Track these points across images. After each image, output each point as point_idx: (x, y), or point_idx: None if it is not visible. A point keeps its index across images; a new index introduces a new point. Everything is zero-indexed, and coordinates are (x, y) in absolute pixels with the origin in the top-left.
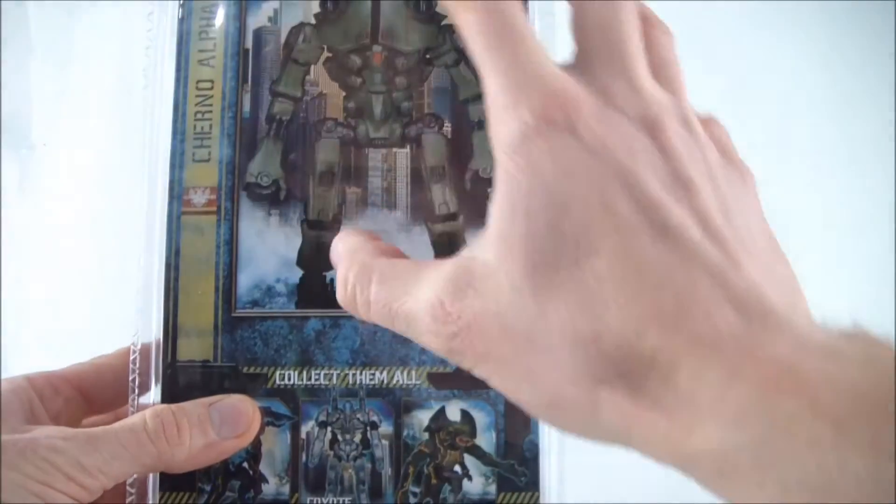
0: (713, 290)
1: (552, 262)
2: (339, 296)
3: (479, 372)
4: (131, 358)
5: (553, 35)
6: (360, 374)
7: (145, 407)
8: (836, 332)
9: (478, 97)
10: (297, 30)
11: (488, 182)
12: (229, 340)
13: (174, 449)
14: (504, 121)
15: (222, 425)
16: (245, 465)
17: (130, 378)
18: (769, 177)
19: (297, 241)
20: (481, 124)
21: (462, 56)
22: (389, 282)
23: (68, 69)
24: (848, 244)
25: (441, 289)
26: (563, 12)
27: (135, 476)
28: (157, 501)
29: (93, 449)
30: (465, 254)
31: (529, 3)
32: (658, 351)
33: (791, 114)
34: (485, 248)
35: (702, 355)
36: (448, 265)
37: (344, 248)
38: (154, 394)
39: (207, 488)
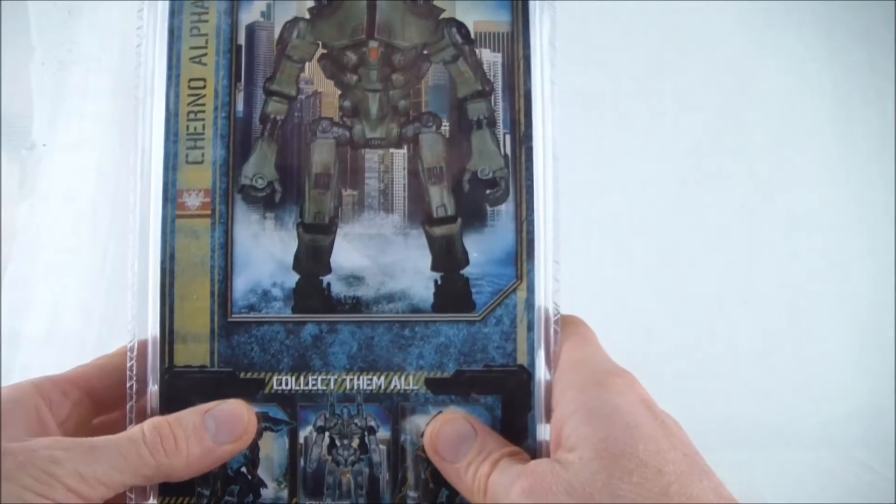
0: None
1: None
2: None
3: None
4: (128, 365)
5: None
6: (358, 379)
7: (143, 412)
8: None
9: (476, 95)
10: (290, 25)
11: (486, 184)
12: (226, 345)
13: (172, 460)
14: None
15: (218, 431)
16: (244, 469)
17: (128, 385)
18: (770, 177)
19: (294, 245)
20: (480, 123)
21: (460, 51)
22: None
23: (68, 69)
24: (848, 244)
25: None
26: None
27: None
28: None
29: (93, 460)
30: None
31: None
32: None
33: (791, 113)
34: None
35: None
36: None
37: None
38: (152, 397)
39: (206, 493)
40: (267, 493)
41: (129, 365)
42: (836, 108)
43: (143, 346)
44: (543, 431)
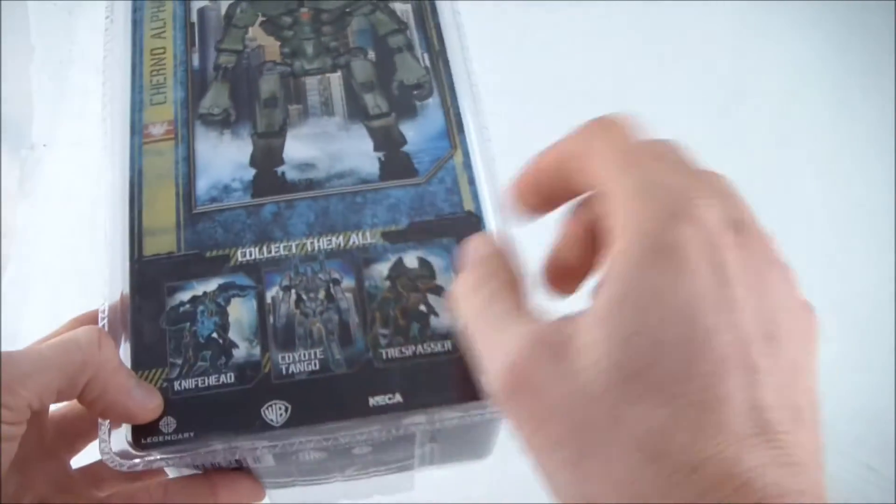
0: (765, 452)
1: (643, 371)
2: (456, 289)
3: (524, 436)
4: (100, 310)
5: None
6: (318, 241)
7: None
8: None
9: (394, 31)
10: (234, 5)
11: (413, 87)
12: (192, 232)
13: (104, 353)
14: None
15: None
16: (214, 335)
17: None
18: (769, 176)
19: (249, 150)
20: (400, 49)
21: (376, 6)
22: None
23: (68, 69)
24: (848, 244)
25: (530, 339)
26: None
27: None
28: None
29: (10, 363)
30: (565, 323)
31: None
32: (708, 490)
33: (791, 113)
34: (588, 328)
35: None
36: (545, 326)
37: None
38: (124, 346)
39: (179, 362)
40: (239, 352)
41: (100, 311)
42: (836, 108)
43: (113, 294)
44: None
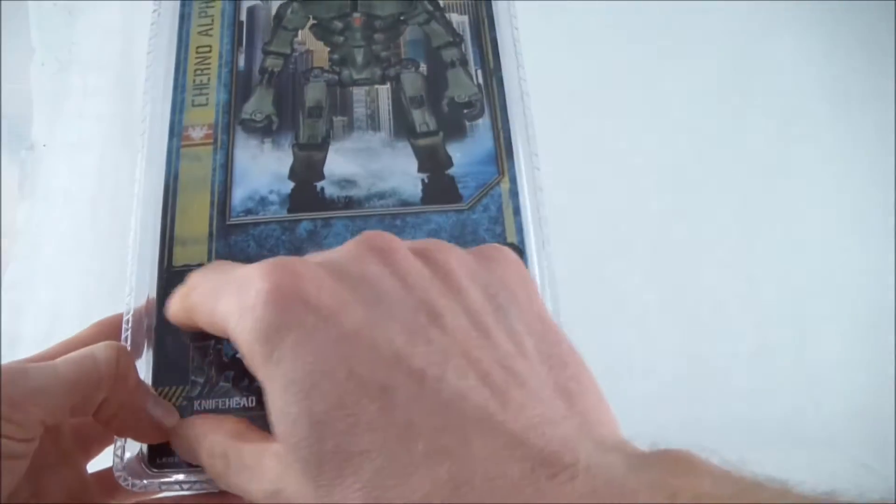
0: (488, 441)
1: (320, 454)
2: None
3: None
4: (124, 318)
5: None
6: None
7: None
8: (635, 461)
9: (448, 44)
10: (285, 6)
11: (463, 105)
12: (224, 245)
13: (122, 371)
14: (242, 319)
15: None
16: (238, 355)
17: (123, 338)
18: (769, 176)
19: (289, 161)
20: (453, 63)
21: (432, 16)
22: (241, 472)
23: (68, 69)
24: (848, 244)
25: (268, 483)
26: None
27: None
28: None
29: (23, 376)
30: (275, 447)
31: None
32: None
33: (791, 113)
34: (278, 442)
35: None
36: (270, 458)
37: (199, 431)
38: (146, 358)
39: (200, 381)
40: None
41: (125, 319)
42: (836, 108)
43: (139, 300)
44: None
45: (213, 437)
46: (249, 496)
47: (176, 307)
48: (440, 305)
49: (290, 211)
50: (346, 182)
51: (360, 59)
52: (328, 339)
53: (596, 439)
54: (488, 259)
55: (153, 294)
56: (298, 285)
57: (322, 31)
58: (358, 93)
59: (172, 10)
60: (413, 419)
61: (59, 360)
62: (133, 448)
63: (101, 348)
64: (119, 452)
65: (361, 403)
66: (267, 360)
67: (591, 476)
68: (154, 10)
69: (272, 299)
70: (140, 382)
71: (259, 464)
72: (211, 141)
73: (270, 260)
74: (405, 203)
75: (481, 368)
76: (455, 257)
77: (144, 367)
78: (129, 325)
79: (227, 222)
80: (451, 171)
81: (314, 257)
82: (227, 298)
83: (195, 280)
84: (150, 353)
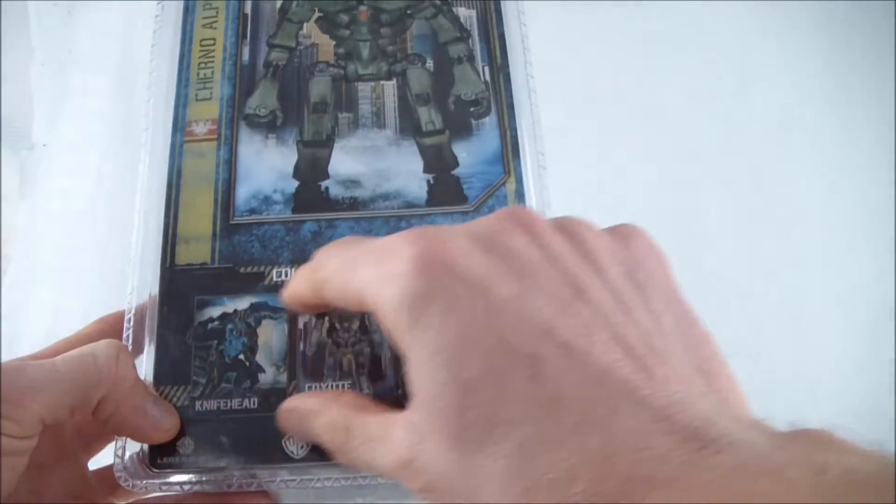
0: (635, 415)
1: (465, 420)
2: (336, 457)
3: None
4: (126, 317)
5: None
6: None
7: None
8: (777, 437)
9: (455, 39)
10: None
11: (470, 104)
12: (227, 244)
13: (121, 370)
14: (386, 287)
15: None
16: (241, 356)
17: (124, 336)
18: (769, 176)
19: (294, 158)
20: (460, 59)
21: (439, 10)
22: (366, 444)
23: (68, 69)
24: (848, 244)
25: (400, 452)
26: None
27: None
28: None
29: (21, 375)
30: (408, 416)
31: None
32: (593, 496)
33: (791, 113)
34: (416, 409)
35: (640, 496)
36: (402, 425)
37: (316, 404)
38: (148, 357)
39: (202, 381)
40: (265, 377)
41: (126, 318)
42: (836, 107)
43: (140, 296)
44: None
45: (334, 410)
46: (375, 467)
47: (299, 286)
48: (584, 280)
49: (294, 211)
50: (351, 182)
51: (365, 53)
52: (478, 308)
53: (735, 417)
54: (625, 237)
55: (155, 292)
56: (446, 254)
57: (328, 25)
58: (363, 89)
59: (177, 3)
60: (562, 390)
61: (58, 357)
62: (133, 448)
63: (101, 346)
64: (119, 452)
65: (511, 372)
66: (413, 326)
67: (736, 450)
68: (158, 4)
69: (420, 266)
70: (139, 381)
71: (387, 434)
72: (215, 136)
73: (414, 229)
74: (410, 204)
75: (626, 343)
76: (594, 234)
77: (146, 366)
78: (131, 323)
79: (231, 221)
80: (456, 172)
81: (457, 228)
82: (367, 268)
83: (322, 256)
84: (152, 352)
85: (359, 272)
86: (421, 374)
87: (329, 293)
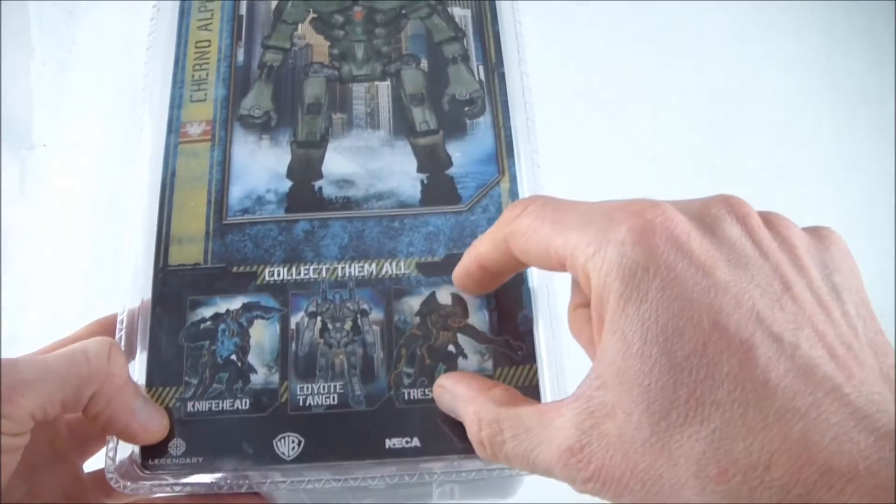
0: (837, 410)
1: (671, 398)
2: (478, 451)
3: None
4: (118, 318)
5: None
6: (350, 267)
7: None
8: None
9: (450, 39)
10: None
11: (464, 103)
12: (220, 244)
13: (112, 367)
14: (603, 252)
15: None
16: (233, 357)
17: (116, 338)
18: (769, 177)
19: (287, 159)
20: (455, 59)
21: (434, 10)
22: (520, 436)
23: (68, 69)
24: (848, 244)
25: (568, 437)
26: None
27: None
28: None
29: (13, 370)
30: (585, 391)
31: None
32: (790, 484)
33: (791, 113)
34: (604, 386)
35: (838, 488)
36: (571, 410)
37: (465, 392)
38: (140, 358)
39: (194, 381)
40: (257, 378)
41: (119, 318)
42: (836, 108)
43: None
44: (537, 303)
45: (481, 403)
46: (533, 460)
47: (481, 246)
48: (790, 277)
49: (287, 211)
50: (345, 182)
51: (360, 54)
52: (696, 288)
53: None
54: (823, 239)
55: (147, 294)
56: (672, 229)
57: (322, 25)
58: (358, 89)
59: (172, 5)
60: (770, 378)
61: (50, 354)
62: (125, 449)
63: (92, 343)
64: (111, 454)
65: (723, 355)
66: (627, 297)
67: None
68: (154, 6)
69: (646, 236)
70: (130, 381)
71: (548, 422)
72: (209, 137)
73: (637, 199)
74: (403, 204)
75: (827, 342)
76: (798, 233)
77: (138, 368)
78: (124, 325)
79: (224, 221)
80: (450, 171)
81: (676, 205)
82: (580, 231)
83: (514, 212)
84: (144, 353)
85: (567, 233)
86: (625, 347)
87: (522, 247)
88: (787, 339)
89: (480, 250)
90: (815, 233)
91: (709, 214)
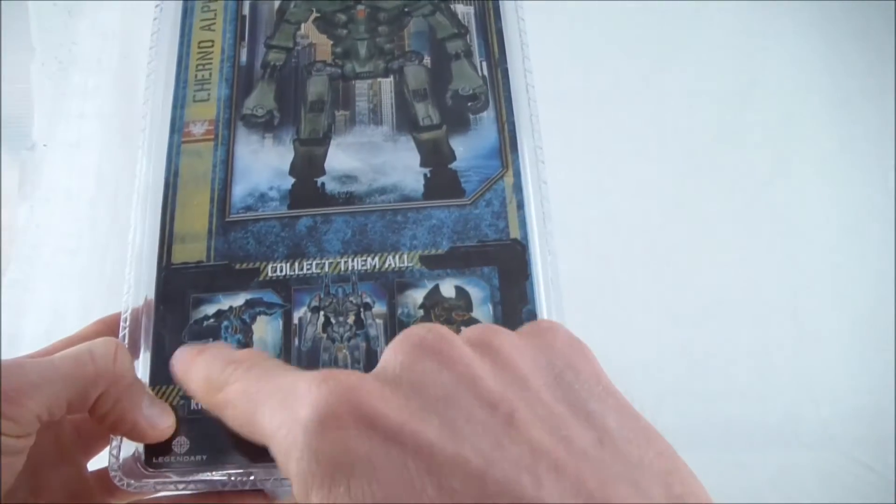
0: None
1: None
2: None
3: None
4: (122, 317)
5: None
6: (352, 261)
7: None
8: None
9: (453, 35)
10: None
11: (467, 98)
12: (223, 242)
13: (119, 367)
14: (292, 436)
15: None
16: None
17: (120, 336)
18: (769, 176)
19: (290, 156)
20: (458, 55)
21: (437, 7)
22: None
23: (68, 69)
24: (848, 244)
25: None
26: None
27: None
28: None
29: (19, 373)
30: None
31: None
32: None
33: (791, 113)
34: None
35: None
36: None
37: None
38: (144, 357)
39: None
40: None
41: (122, 317)
42: (836, 108)
43: (136, 301)
44: (543, 298)
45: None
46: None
47: (198, 387)
48: (510, 401)
49: (290, 207)
50: (347, 178)
51: (363, 51)
52: (409, 462)
53: None
54: (540, 336)
55: (151, 292)
56: (362, 400)
57: (325, 24)
58: (360, 86)
59: (175, 5)
60: None
61: (56, 355)
62: (128, 448)
63: (98, 344)
64: (115, 452)
65: None
66: (329, 487)
67: None
68: (157, 6)
69: (333, 414)
70: (137, 380)
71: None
72: (212, 137)
73: (320, 371)
74: (407, 198)
75: (569, 473)
76: (509, 342)
77: (141, 366)
78: (127, 323)
79: (227, 219)
80: (453, 166)
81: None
82: (275, 406)
83: (226, 370)
84: (148, 351)
85: (262, 415)
86: None
87: (232, 422)
88: (526, 482)
89: (196, 393)
90: (533, 332)
91: (402, 365)
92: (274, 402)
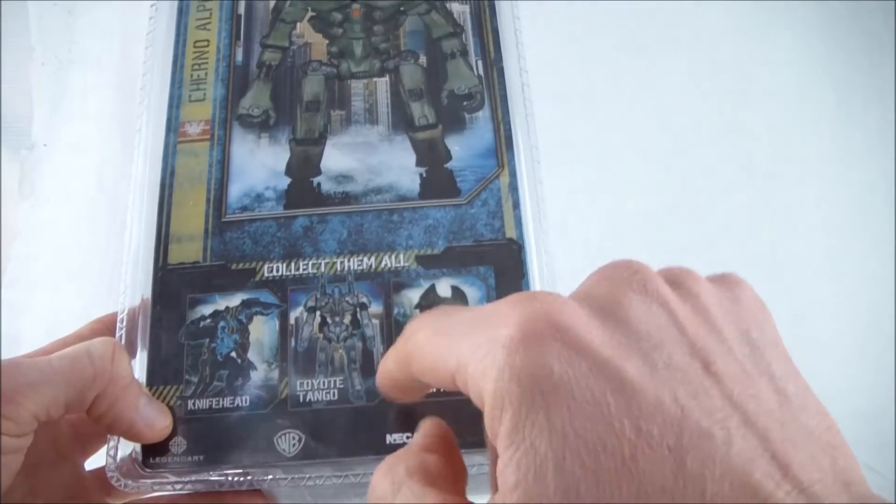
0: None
1: None
2: None
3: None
4: (119, 317)
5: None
6: (349, 261)
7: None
8: None
9: (449, 35)
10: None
11: (463, 97)
12: (219, 242)
13: (116, 367)
14: (491, 356)
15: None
16: (233, 354)
17: (117, 336)
18: (769, 176)
19: (286, 156)
20: (453, 55)
21: (432, 6)
22: None
23: (68, 69)
24: (848, 244)
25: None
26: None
27: None
28: None
29: (17, 373)
30: None
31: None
32: None
33: (791, 113)
34: None
35: None
36: None
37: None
38: (140, 357)
39: (194, 379)
40: (257, 374)
41: (119, 318)
42: (836, 108)
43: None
44: None
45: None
46: None
47: (387, 364)
48: (709, 351)
49: (286, 207)
50: (343, 177)
51: (358, 51)
52: (608, 390)
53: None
54: (733, 288)
55: (148, 292)
56: (567, 325)
57: (321, 24)
58: (356, 86)
59: (170, 4)
60: (706, 489)
61: (53, 355)
62: (126, 448)
63: (96, 344)
64: (112, 452)
65: (653, 466)
66: (530, 405)
67: None
68: (152, 6)
69: (538, 334)
70: (134, 380)
71: None
72: (208, 137)
73: (520, 294)
74: (402, 198)
75: (757, 428)
76: (706, 290)
77: (138, 366)
78: (124, 323)
79: (223, 219)
80: (449, 165)
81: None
82: (468, 336)
83: (412, 325)
84: (145, 352)
85: (457, 341)
86: (536, 464)
87: (419, 367)
88: (718, 436)
89: (390, 368)
90: (723, 283)
91: (607, 295)
92: (469, 328)
